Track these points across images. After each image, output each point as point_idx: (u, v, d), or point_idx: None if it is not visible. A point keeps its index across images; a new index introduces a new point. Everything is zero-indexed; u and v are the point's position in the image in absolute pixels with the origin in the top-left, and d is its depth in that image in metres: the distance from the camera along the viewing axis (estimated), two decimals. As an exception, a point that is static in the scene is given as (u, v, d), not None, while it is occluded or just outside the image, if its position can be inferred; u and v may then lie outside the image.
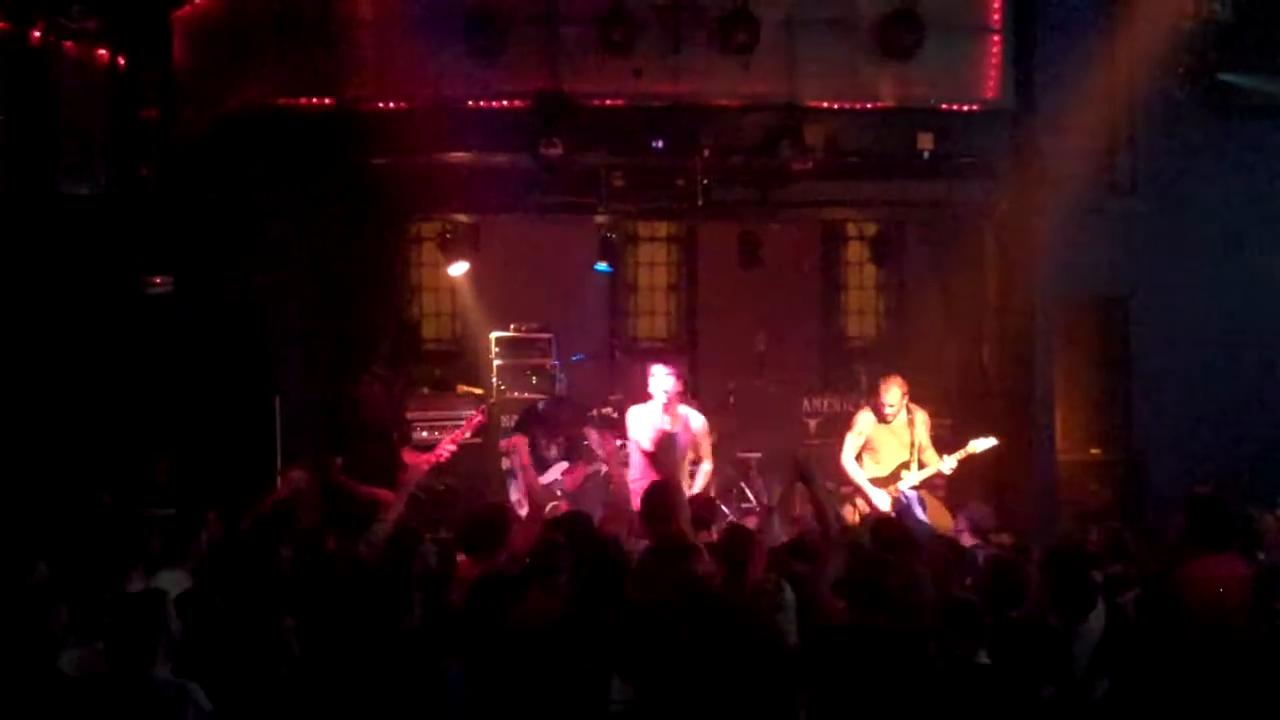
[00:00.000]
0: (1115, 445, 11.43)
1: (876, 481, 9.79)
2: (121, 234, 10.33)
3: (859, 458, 9.84)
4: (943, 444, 9.94)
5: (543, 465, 9.42)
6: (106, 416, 9.80)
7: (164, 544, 6.59)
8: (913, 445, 9.71)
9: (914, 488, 9.68)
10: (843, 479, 9.93)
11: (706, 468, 9.50)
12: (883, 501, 9.64)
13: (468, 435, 9.57)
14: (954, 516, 8.91)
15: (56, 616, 5.05)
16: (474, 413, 9.99)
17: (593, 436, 9.61)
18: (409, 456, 9.17)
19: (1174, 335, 11.29)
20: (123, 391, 9.94)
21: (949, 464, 9.63)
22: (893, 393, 9.73)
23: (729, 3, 10.36)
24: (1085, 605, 5.58)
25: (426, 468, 9.19)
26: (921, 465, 9.73)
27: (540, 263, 12.26)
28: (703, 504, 7.59)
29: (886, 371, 10.11)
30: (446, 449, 9.33)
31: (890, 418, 9.76)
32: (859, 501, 9.77)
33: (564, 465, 9.61)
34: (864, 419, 9.90)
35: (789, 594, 4.77)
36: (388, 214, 11.81)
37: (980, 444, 9.64)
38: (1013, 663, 4.88)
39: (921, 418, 9.84)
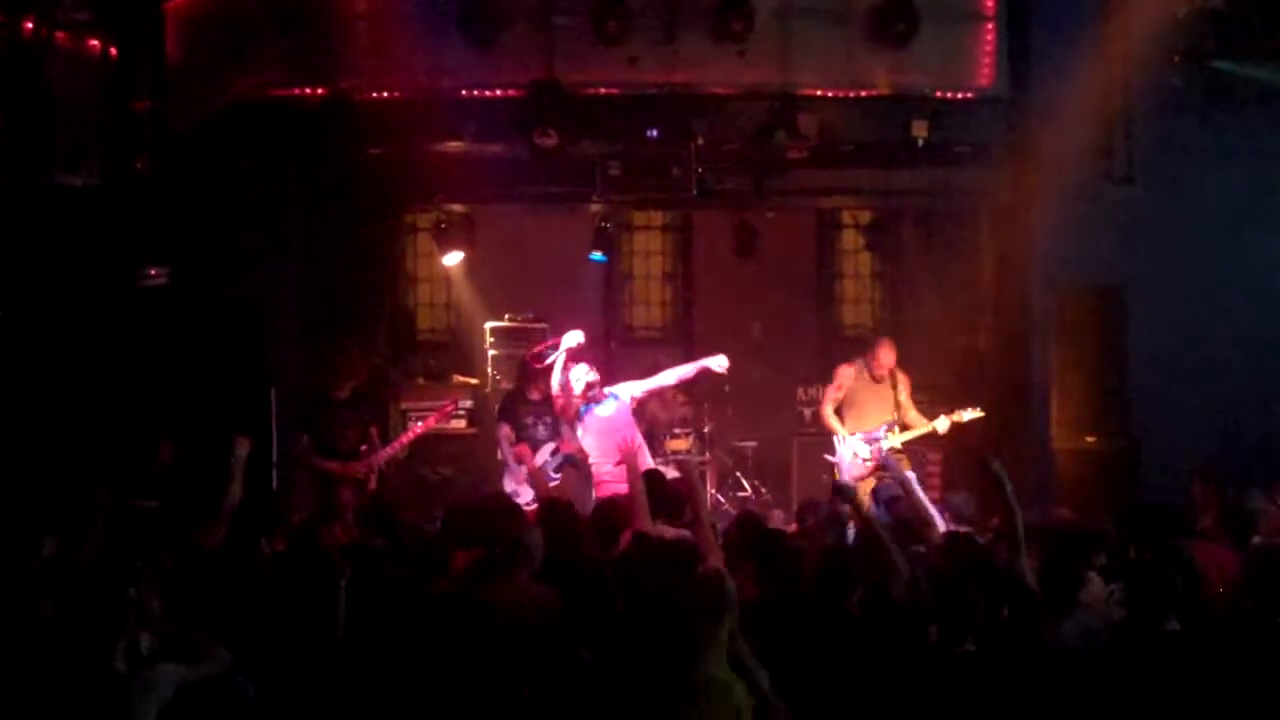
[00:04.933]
0: (1111, 433, 11.40)
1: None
2: (116, 226, 10.29)
3: (840, 414, 9.88)
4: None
5: (534, 445, 9.40)
6: (101, 409, 9.78)
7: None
8: (896, 405, 9.76)
9: (897, 452, 9.67)
10: (826, 429, 9.99)
11: (664, 377, 9.60)
12: (864, 451, 9.66)
13: (429, 426, 9.75)
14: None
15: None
16: (444, 402, 10.16)
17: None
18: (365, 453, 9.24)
19: (1171, 323, 11.24)
20: (118, 384, 9.91)
21: (942, 424, 9.61)
22: (889, 354, 9.86)
23: (723, -9, 10.36)
24: (1068, 594, 5.58)
25: (383, 460, 9.24)
26: (905, 426, 9.75)
27: (535, 252, 12.26)
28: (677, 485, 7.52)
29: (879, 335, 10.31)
30: (405, 440, 9.47)
31: (882, 377, 9.84)
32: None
33: (552, 445, 9.62)
34: (844, 373, 10.00)
35: (730, 584, 4.83)
36: (382, 204, 11.83)
37: (967, 414, 9.63)
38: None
39: (902, 379, 9.93)
